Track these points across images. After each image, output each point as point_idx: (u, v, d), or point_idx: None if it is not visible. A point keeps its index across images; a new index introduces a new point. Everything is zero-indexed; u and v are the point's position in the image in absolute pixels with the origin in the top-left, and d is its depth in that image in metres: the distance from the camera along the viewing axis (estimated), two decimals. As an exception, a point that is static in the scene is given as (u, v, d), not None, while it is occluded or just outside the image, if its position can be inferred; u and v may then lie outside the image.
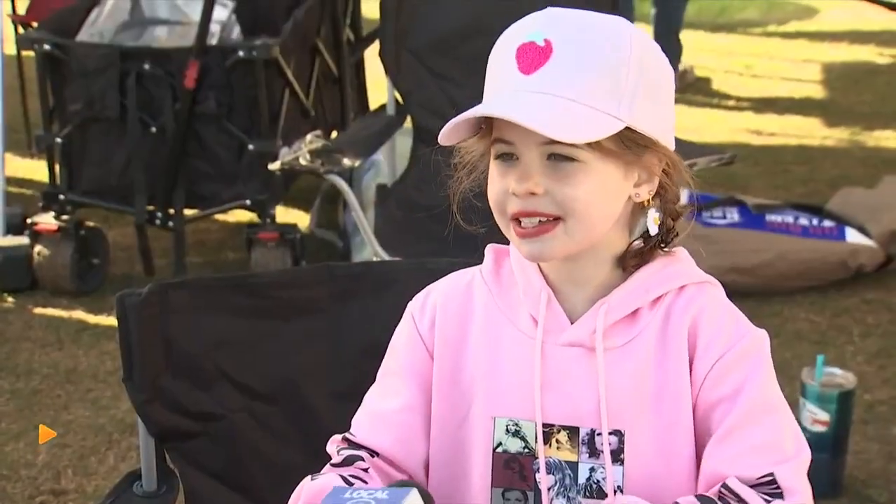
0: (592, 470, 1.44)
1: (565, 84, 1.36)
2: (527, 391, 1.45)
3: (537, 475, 1.45)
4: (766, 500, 1.37)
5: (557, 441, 1.45)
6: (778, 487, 1.39)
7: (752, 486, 1.39)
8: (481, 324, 1.50)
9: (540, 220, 1.39)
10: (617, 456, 1.43)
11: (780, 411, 1.44)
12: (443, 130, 1.40)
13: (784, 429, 1.44)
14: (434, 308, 1.52)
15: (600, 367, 1.42)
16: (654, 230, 1.47)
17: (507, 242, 1.50)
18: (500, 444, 1.47)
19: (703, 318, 1.45)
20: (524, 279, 1.48)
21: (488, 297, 1.50)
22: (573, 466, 1.45)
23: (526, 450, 1.46)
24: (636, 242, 1.48)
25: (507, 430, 1.46)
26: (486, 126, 1.42)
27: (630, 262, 1.47)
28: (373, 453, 1.50)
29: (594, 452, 1.44)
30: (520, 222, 1.40)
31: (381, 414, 1.52)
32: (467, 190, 1.50)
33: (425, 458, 1.52)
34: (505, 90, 1.39)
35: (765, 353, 1.45)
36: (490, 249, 1.54)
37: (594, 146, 1.37)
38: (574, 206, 1.38)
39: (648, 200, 1.46)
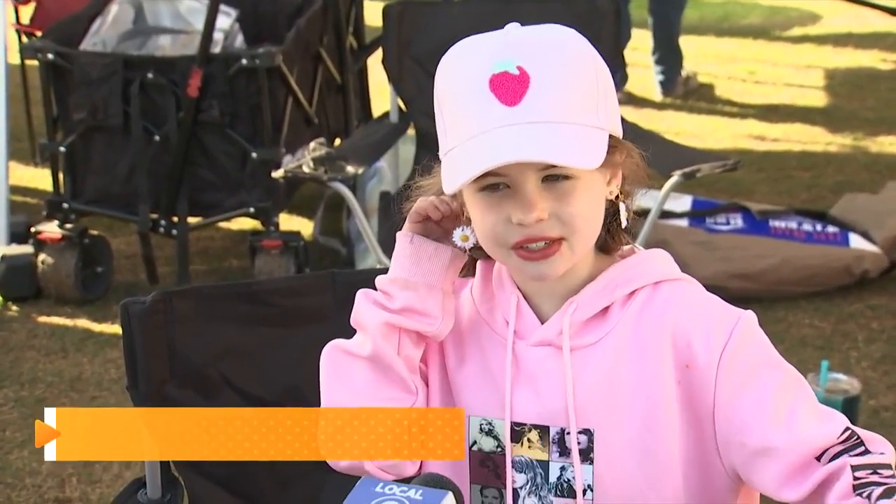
0: (563, 469, 1.45)
1: (553, 108, 1.35)
2: (499, 392, 1.46)
3: (511, 473, 1.47)
4: (881, 453, 1.37)
5: (529, 440, 1.46)
6: (858, 438, 1.40)
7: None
8: (466, 330, 1.52)
9: (546, 243, 1.39)
10: (587, 455, 1.44)
11: (801, 377, 1.46)
12: (457, 182, 1.36)
13: (812, 392, 1.46)
14: None
15: (567, 366, 1.43)
16: (625, 224, 1.47)
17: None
18: (475, 442, 1.49)
19: (690, 314, 1.44)
20: (498, 285, 1.50)
21: (473, 305, 1.52)
22: (544, 465, 1.46)
23: (499, 448, 1.47)
24: (607, 234, 1.49)
25: (480, 428, 1.48)
26: None
27: (613, 247, 1.49)
28: None
29: (564, 451, 1.45)
30: (524, 247, 1.39)
31: None
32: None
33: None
34: (491, 126, 1.35)
35: (759, 329, 1.46)
36: (481, 263, 1.54)
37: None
38: (576, 222, 1.39)
39: (619, 195, 1.46)
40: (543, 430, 1.45)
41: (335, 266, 4.06)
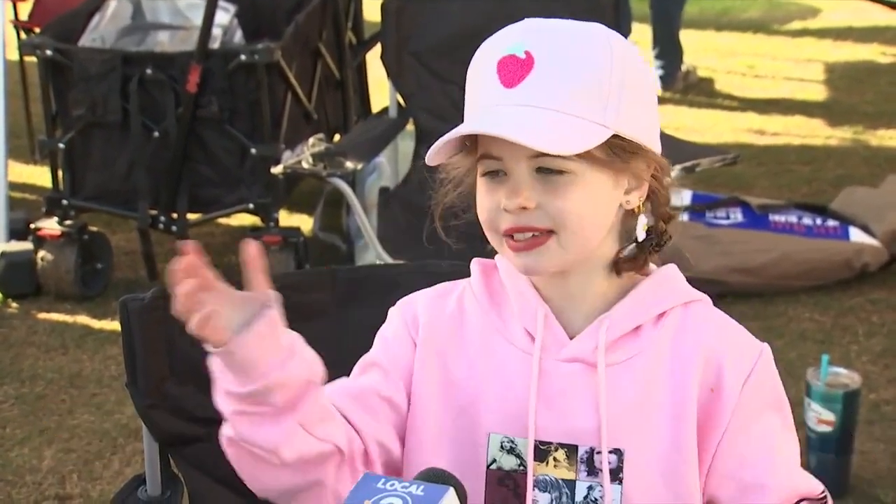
0: (590, 488, 1.42)
1: (549, 95, 1.34)
2: (523, 408, 1.41)
3: (533, 492, 1.43)
4: None
5: (555, 459, 1.42)
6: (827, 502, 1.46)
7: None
8: (474, 338, 1.47)
9: (533, 234, 1.37)
10: (616, 475, 1.41)
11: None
12: (429, 152, 1.38)
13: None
14: (420, 319, 1.49)
15: (601, 384, 1.40)
16: (641, 236, 1.43)
17: (491, 256, 1.49)
18: (494, 460, 1.44)
19: (721, 337, 1.44)
20: (518, 294, 1.45)
21: (479, 312, 1.48)
22: (570, 485, 1.42)
23: (521, 467, 1.42)
24: (628, 248, 1.45)
25: (501, 446, 1.43)
26: (472, 142, 1.41)
27: (623, 267, 1.44)
28: None
29: (593, 471, 1.41)
30: (513, 237, 1.38)
31: (357, 386, 1.48)
32: (454, 203, 1.48)
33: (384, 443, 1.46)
34: (487, 105, 1.37)
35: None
36: (476, 263, 1.51)
37: (583, 156, 1.35)
38: (566, 218, 1.36)
39: (639, 207, 1.43)
40: (571, 449, 1.41)
41: (335, 262, 4.06)
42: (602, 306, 1.43)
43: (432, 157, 1.39)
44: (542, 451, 1.42)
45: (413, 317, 1.50)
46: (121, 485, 1.76)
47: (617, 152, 1.37)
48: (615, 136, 1.36)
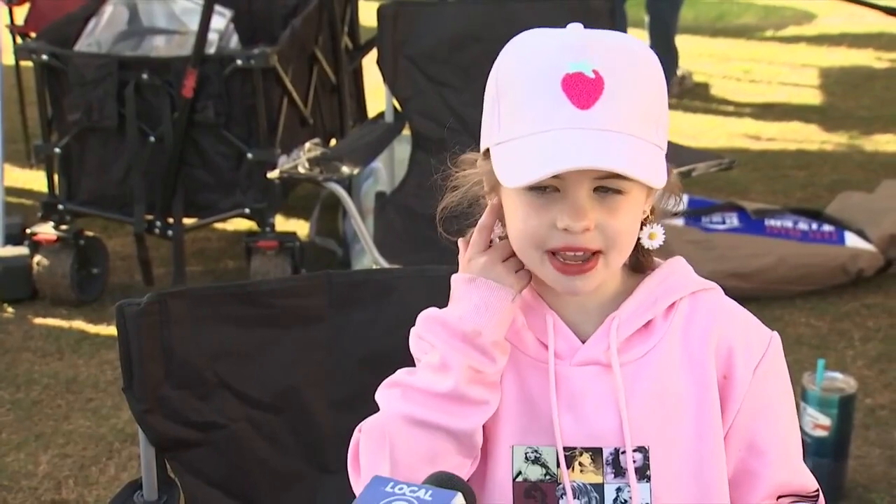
0: (619, 490, 1.41)
1: (622, 119, 1.33)
2: (544, 417, 1.41)
3: (561, 501, 1.42)
4: None
5: (581, 464, 1.42)
6: (819, 494, 1.47)
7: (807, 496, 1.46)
8: None
9: (583, 256, 1.36)
10: (643, 473, 1.40)
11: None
12: (522, 180, 1.32)
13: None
14: None
15: (619, 383, 1.40)
16: (659, 242, 1.44)
17: None
18: (519, 472, 1.43)
19: (731, 324, 1.45)
20: (526, 307, 1.45)
21: None
22: (599, 489, 1.42)
23: (548, 476, 1.42)
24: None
25: (526, 457, 1.42)
26: None
27: (640, 267, 1.47)
28: None
29: (619, 472, 1.41)
30: (560, 257, 1.37)
31: None
32: (453, 206, 1.46)
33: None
34: (560, 125, 1.32)
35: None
36: None
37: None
38: (619, 238, 1.37)
39: (646, 218, 1.45)
40: (596, 452, 1.41)
41: (332, 267, 4.06)
42: (610, 304, 1.44)
43: (523, 183, 1.33)
44: (568, 458, 1.41)
45: None
46: (117, 490, 1.76)
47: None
48: None
